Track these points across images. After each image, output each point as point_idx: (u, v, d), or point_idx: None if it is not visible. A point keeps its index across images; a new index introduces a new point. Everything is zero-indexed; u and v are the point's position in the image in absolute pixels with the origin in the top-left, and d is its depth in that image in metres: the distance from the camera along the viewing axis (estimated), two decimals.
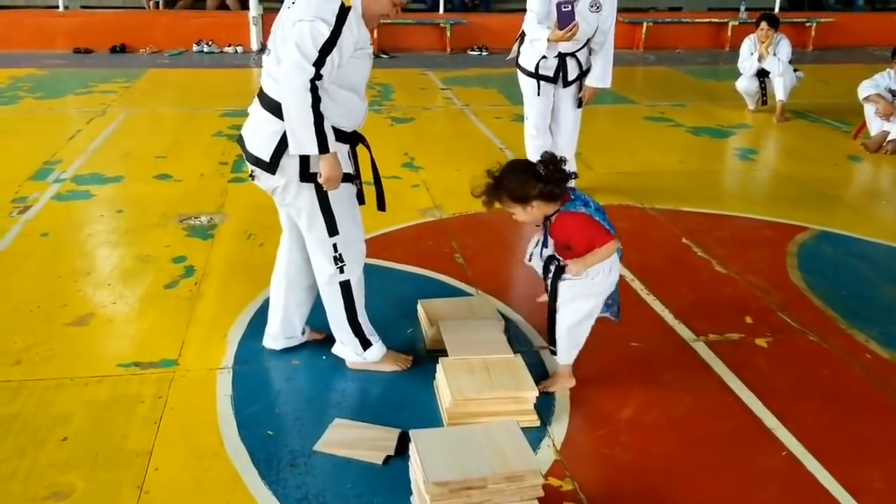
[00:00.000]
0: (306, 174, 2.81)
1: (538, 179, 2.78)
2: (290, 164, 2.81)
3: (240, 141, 2.99)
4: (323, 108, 2.68)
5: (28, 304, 3.69)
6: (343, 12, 2.66)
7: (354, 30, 2.71)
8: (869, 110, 6.87)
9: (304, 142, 2.69)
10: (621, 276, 3.98)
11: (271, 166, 2.82)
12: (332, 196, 2.86)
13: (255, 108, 2.92)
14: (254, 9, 11.83)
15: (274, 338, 3.30)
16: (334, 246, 2.93)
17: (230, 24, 12.01)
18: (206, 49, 11.70)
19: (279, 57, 2.72)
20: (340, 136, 2.82)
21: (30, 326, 3.49)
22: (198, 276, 4.01)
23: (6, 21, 11.69)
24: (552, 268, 2.94)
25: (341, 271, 2.97)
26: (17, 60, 10.41)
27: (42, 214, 4.85)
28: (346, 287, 3.01)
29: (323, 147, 2.70)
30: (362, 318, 3.10)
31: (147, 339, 3.41)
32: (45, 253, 4.29)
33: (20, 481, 2.52)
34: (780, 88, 7.72)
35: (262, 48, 11.73)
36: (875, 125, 6.79)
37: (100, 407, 2.92)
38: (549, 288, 2.96)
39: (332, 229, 2.90)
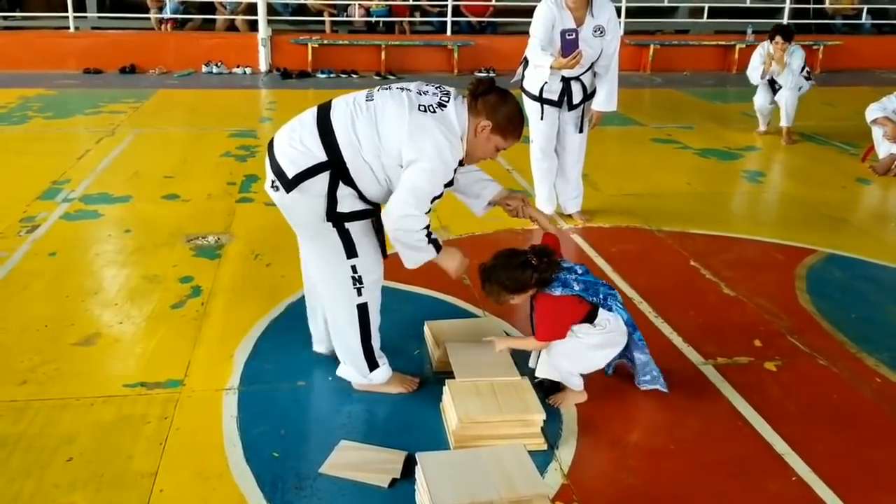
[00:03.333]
0: (332, 213, 2.81)
1: (532, 269, 2.89)
2: (312, 189, 2.78)
3: (270, 147, 2.92)
4: (368, 190, 2.82)
5: (35, 323, 3.69)
6: (459, 164, 2.82)
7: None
8: (877, 133, 6.86)
9: (420, 258, 2.89)
10: (629, 300, 4.00)
11: (290, 184, 2.78)
12: (351, 225, 2.86)
13: (308, 132, 2.81)
14: (263, 31, 11.92)
15: (319, 341, 3.37)
16: (353, 268, 2.91)
17: (239, 45, 12.10)
18: (215, 70, 11.78)
19: (380, 137, 2.75)
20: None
21: (36, 346, 3.49)
22: (204, 297, 4.01)
23: (17, 42, 11.80)
24: None
25: (359, 293, 2.96)
26: (28, 80, 10.48)
27: (50, 234, 4.86)
28: (363, 310, 2.99)
29: (437, 249, 2.89)
30: (375, 340, 3.08)
31: (153, 360, 3.40)
32: (52, 272, 4.29)
33: (25, 502, 2.51)
34: (784, 113, 7.72)
35: (270, 69, 11.82)
36: (883, 148, 6.78)
37: (105, 427, 2.91)
38: None
39: (351, 251, 2.89)
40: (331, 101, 2.91)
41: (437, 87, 2.88)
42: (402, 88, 2.85)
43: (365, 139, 2.75)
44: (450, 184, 2.82)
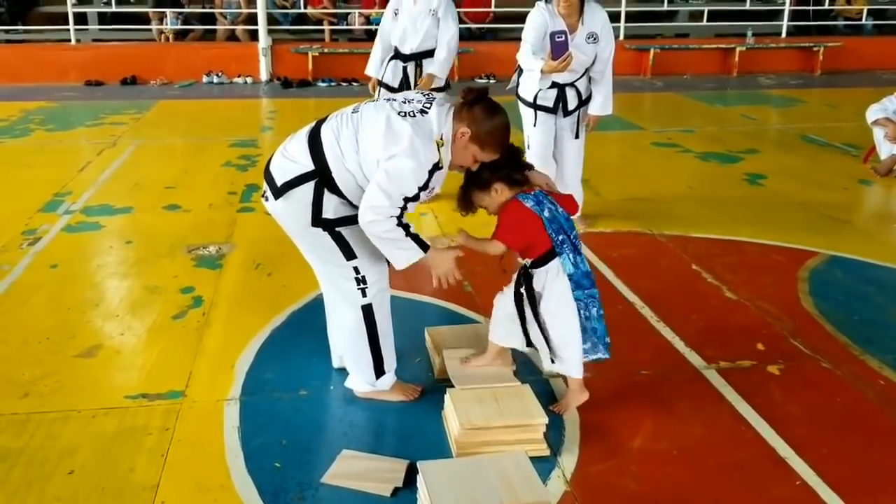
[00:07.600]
0: (318, 220, 2.84)
1: (497, 164, 2.87)
2: (298, 197, 2.82)
3: (269, 160, 2.99)
4: (355, 198, 2.80)
5: (37, 335, 3.69)
6: (434, 168, 2.74)
7: (438, 180, 2.80)
8: (878, 134, 6.84)
9: (405, 257, 2.80)
10: (631, 304, 3.99)
11: (279, 191, 2.84)
12: (343, 229, 2.87)
13: (299, 143, 2.88)
14: (263, 40, 11.94)
15: (339, 357, 3.33)
16: (355, 269, 2.92)
17: (240, 55, 12.12)
18: (215, 80, 11.80)
19: (359, 143, 2.77)
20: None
21: (38, 358, 3.49)
22: (206, 307, 4.01)
23: (19, 55, 11.83)
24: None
25: (364, 294, 2.96)
26: (29, 93, 10.51)
27: (52, 246, 4.87)
28: (368, 311, 2.99)
29: (423, 247, 2.79)
30: (385, 343, 3.07)
31: (154, 371, 3.40)
32: (54, 284, 4.30)
33: None
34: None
35: (271, 79, 11.84)
36: (884, 149, 6.76)
37: (107, 439, 2.91)
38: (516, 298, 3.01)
39: (350, 253, 2.90)
40: (329, 114, 2.96)
41: (424, 95, 2.89)
42: (388, 99, 2.88)
43: (347, 150, 2.79)
44: (424, 187, 2.75)
